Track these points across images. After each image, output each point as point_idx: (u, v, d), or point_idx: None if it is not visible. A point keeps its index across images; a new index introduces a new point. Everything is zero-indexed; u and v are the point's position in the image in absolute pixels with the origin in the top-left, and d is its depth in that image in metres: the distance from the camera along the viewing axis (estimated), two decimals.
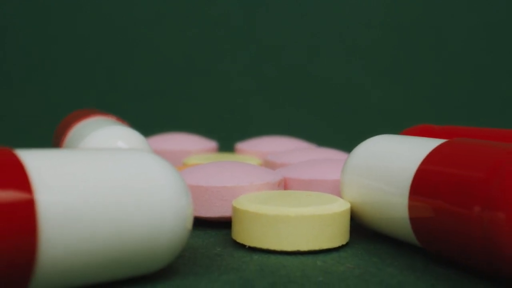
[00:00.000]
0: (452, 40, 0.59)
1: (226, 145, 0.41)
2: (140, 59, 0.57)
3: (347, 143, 0.32)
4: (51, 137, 0.34)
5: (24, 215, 0.14)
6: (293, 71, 0.57)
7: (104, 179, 0.16)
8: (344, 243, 0.21)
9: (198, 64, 0.57)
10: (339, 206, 0.21)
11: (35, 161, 0.15)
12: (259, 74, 0.57)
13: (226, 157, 0.34)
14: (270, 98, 0.56)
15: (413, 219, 0.19)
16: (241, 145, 0.37)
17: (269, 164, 0.31)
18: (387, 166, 0.21)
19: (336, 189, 0.25)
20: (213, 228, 0.24)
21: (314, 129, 0.49)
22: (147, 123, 0.43)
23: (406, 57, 0.58)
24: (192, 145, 0.36)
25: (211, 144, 0.38)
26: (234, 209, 0.21)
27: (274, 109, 0.56)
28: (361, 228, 0.24)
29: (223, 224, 0.24)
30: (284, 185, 0.26)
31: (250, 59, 0.57)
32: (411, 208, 0.19)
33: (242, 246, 0.21)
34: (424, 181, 0.19)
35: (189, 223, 0.17)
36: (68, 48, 0.57)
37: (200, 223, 0.24)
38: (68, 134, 0.26)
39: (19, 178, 0.14)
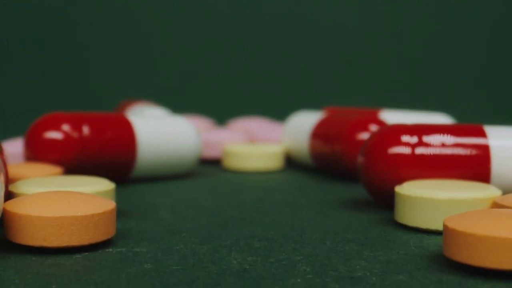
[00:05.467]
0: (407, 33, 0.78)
1: (221, 123, 0.61)
2: (158, 66, 0.77)
3: None
4: None
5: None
6: (269, 73, 0.78)
7: (164, 126, 0.35)
8: (280, 168, 0.40)
9: (201, 67, 0.77)
10: (277, 149, 0.40)
11: (135, 120, 0.34)
12: (247, 75, 0.78)
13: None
14: (252, 92, 0.77)
15: (312, 154, 0.39)
16: (230, 123, 0.57)
17: (247, 132, 0.50)
18: (302, 127, 0.40)
19: (280, 142, 0.44)
20: (212, 165, 0.43)
21: (278, 112, 0.69)
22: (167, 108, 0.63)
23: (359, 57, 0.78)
24: (197, 122, 0.55)
25: (211, 122, 0.57)
26: (224, 151, 0.41)
27: (253, 99, 0.76)
28: (293, 163, 0.43)
29: (217, 163, 0.43)
30: (253, 141, 0.45)
31: (241, 65, 0.78)
32: (310, 148, 0.39)
33: (227, 171, 0.40)
34: (316, 134, 0.38)
35: (199, 150, 0.36)
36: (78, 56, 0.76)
37: (205, 161, 0.43)
38: (129, 110, 0.46)
39: (129, 128, 0.34)
